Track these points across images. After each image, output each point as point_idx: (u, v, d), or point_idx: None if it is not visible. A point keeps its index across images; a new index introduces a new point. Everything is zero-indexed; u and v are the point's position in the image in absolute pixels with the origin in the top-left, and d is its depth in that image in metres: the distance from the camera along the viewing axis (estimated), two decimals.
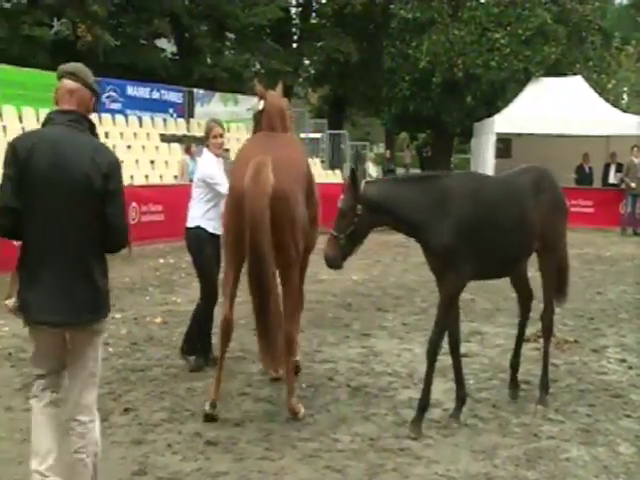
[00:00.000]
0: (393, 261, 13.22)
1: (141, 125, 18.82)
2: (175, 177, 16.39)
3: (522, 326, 6.02)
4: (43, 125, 3.74)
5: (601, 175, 20.44)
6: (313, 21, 31.61)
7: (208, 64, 25.14)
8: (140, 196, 13.57)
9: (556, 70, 25.40)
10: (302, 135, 20.31)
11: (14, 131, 14.31)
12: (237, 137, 19.10)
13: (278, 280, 5.43)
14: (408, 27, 27.60)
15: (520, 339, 6.00)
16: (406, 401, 5.77)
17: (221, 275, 5.90)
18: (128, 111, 18.73)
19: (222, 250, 5.96)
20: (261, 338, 5.35)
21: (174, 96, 20.57)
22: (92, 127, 3.78)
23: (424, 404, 5.20)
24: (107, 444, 4.38)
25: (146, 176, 16.35)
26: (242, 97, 21.93)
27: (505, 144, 22.55)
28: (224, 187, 6.05)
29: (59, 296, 3.58)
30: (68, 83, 3.74)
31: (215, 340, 6.33)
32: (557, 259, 5.78)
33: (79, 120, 3.69)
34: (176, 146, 18.42)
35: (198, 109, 21.16)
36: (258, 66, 27.67)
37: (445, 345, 5.30)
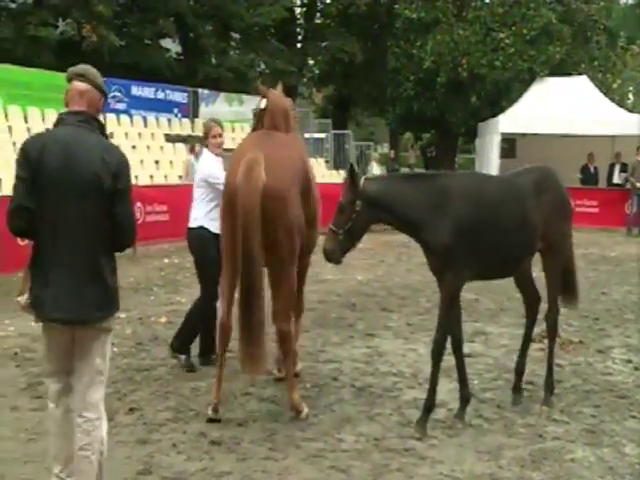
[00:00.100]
0: (397, 261, 13.21)
1: (146, 125, 18.81)
2: (180, 177, 16.36)
3: (529, 328, 5.94)
4: (55, 125, 3.79)
5: (606, 175, 20.40)
6: (317, 21, 31.61)
7: (213, 64, 25.13)
8: (145, 196, 13.57)
9: (561, 70, 25.33)
10: (306, 135, 20.23)
11: (19, 131, 14.35)
12: (242, 137, 19.02)
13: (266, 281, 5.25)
14: (412, 27, 27.58)
15: (527, 342, 5.92)
16: (411, 401, 5.76)
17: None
18: (133, 111, 18.70)
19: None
20: (242, 336, 5.09)
21: (179, 96, 20.55)
22: (102, 128, 3.85)
23: (430, 404, 5.19)
24: (112, 443, 4.38)
25: (151, 176, 16.34)
26: (247, 97, 21.89)
27: (510, 144, 22.47)
28: None
29: (70, 294, 3.63)
30: (78, 85, 3.79)
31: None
32: (562, 260, 5.74)
33: (89, 121, 3.76)
34: (181, 146, 18.40)
35: (203, 109, 21.12)
36: (263, 66, 27.69)
37: (448, 345, 5.29)
